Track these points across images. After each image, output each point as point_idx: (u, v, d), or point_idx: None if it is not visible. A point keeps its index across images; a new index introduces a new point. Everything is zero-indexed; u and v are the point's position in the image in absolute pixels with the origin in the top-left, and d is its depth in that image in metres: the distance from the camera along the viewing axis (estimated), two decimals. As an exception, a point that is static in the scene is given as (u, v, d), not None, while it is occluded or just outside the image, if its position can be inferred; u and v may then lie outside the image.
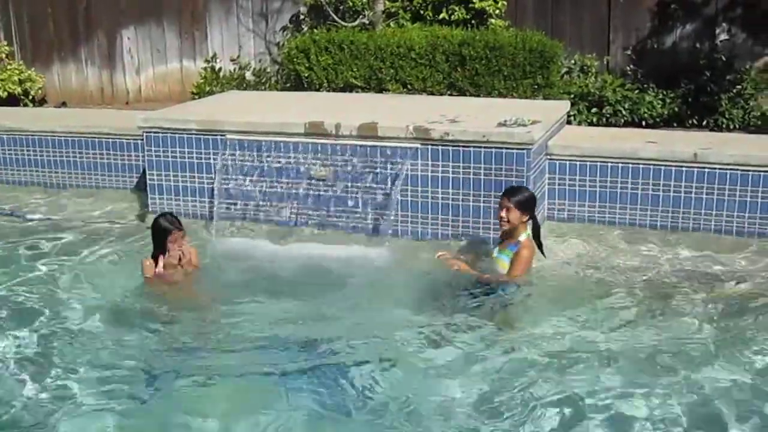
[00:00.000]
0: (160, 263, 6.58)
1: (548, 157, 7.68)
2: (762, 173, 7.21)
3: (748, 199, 7.26)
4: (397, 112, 8.14)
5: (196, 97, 11.05)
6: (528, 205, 6.53)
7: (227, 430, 4.83)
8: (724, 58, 9.96)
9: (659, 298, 6.44)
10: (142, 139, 8.24)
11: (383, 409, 5.03)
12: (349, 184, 7.60)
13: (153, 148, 8.14)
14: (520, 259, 6.45)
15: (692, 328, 5.96)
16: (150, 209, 8.26)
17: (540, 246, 6.64)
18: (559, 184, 7.72)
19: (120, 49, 12.35)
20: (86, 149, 9.05)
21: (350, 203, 7.63)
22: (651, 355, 5.60)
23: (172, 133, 8.06)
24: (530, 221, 6.56)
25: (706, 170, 7.33)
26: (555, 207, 7.77)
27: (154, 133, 8.12)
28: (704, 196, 7.35)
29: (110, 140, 8.97)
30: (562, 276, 6.82)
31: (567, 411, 4.99)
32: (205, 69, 11.66)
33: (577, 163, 7.63)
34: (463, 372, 5.40)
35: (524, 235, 6.52)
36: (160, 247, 6.62)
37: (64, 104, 12.44)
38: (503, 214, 6.48)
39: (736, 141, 8.21)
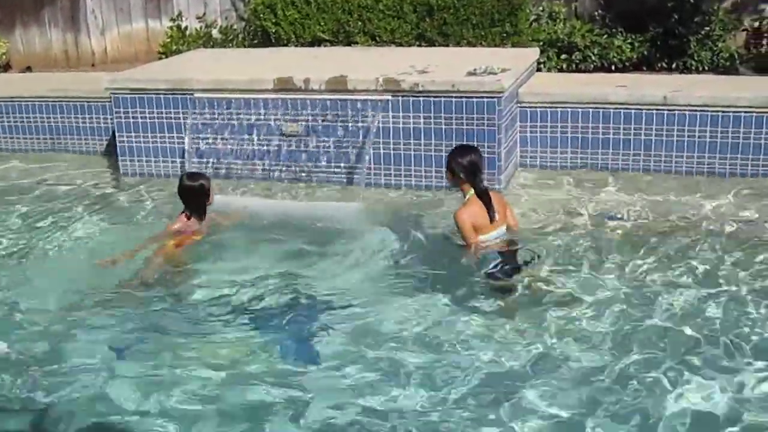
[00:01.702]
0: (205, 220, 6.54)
1: (519, 104, 7.68)
2: (732, 114, 7.26)
3: (718, 140, 7.31)
4: (367, 65, 8.10)
5: (163, 56, 10.92)
6: (452, 167, 5.97)
7: (206, 389, 4.83)
8: (691, 0, 9.95)
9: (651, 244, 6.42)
10: (110, 101, 8.16)
11: (358, 361, 5.05)
12: (321, 139, 7.57)
13: (121, 110, 8.07)
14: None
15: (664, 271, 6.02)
16: (121, 171, 8.21)
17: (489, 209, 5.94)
18: (530, 132, 7.73)
19: (83, 9, 12.16)
20: (53, 113, 8.96)
21: (322, 157, 7.61)
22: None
23: (140, 93, 7.99)
24: (469, 185, 5.96)
25: (676, 112, 7.36)
26: (527, 154, 7.79)
27: (122, 94, 8.04)
28: (675, 138, 7.39)
29: (78, 104, 8.88)
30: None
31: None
32: (171, 28, 11.51)
33: (548, 109, 7.65)
34: (437, 329, 5.37)
35: (465, 199, 6.00)
36: (198, 206, 6.50)
37: (29, 69, 12.26)
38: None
39: (705, 83, 8.26)
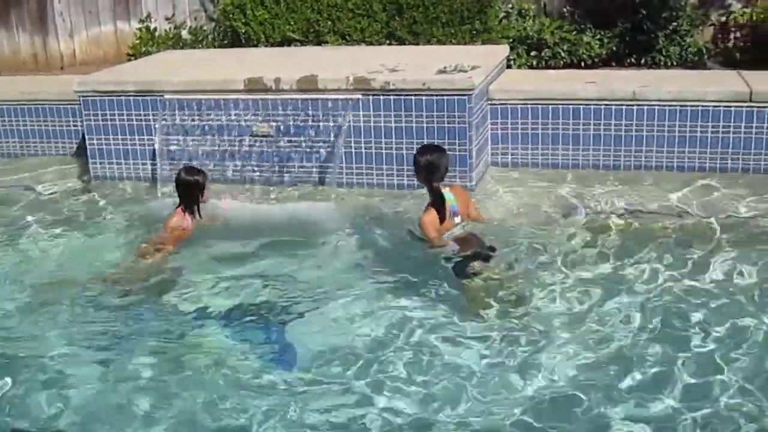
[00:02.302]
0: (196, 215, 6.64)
1: (490, 102, 7.70)
2: (700, 108, 7.32)
3: (687, 134, 7.36)
4: (337, 64, 8.09)
5: (132, 58, 10.86)
6: (416, 168, 6.13)
7: (186, 389, 4.84)
8: (659, -4, 10.03)
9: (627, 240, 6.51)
10: (80, 104, 8.11)
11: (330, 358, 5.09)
12: (292, 139, 7.56)
13: (91, 113, 8.02)
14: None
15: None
16: (92, 174, 8.16)
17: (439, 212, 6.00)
18: (501, 129, 7.75)
19: (51, 12, 12.07)
20: (23, 117, 8.89)
21: (294, 158, 7.60)
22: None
23: (109, 96, 7.94)
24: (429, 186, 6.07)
25: (645, 108, 7.41)
26: (499, 151, 7.81)
27: (91, 96, 7.99)
28: (644, 133, 7.44)
29: (47, 107, 8.82)
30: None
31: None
32: (139, 29, 11.45)
33: (519, 106, 7.67)
34: (405, 325, 5.43)
35: (431, 198, 6.10)
36: (192, 201, 6.59)
37: (-4, 72, 12.18)
38: None
39: (674, 77, 8.32)
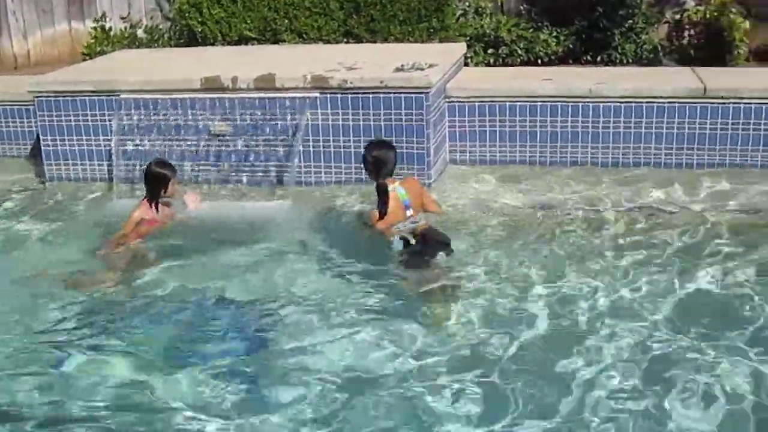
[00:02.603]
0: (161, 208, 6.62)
1: (447, 100, 7.71)
2: (656, 104, 7.40)
3: (643, 130, 7.44)
4: (294, 63, 8.06)
5: (87, 58, 10.74)
6: (365, 164, 6.17)
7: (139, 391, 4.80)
8: (615, -7, 10.13)
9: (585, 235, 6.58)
10: (34, 105, 8.01)
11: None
12: (250, 138, 7.52)
13: (45, 113, 7.92)
14: None
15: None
16: (47, 176, 8.06)
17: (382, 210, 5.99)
18: (459, 127, 7.77)
19: (4, 11, 11.90)
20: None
21: (252, 157, 7.56)
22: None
23: (64, 96, 7.85)
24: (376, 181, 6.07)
25: (602, 105, 7.47)
26: (457, 149, 7.83)
27: (46, 97, 7.89)
28: (600, 130, 7.50)
29: (1, 108, 8.71)
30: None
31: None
32: (94, 29, 11.34)
33: (476, 104, 7.69)
34: (360, 320, 5.45)
35: None
36: (153, 193, 6.58)
37: (-51, 73, 11.99)
38: None
39: (629, 74, 8.41)
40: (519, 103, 7.60)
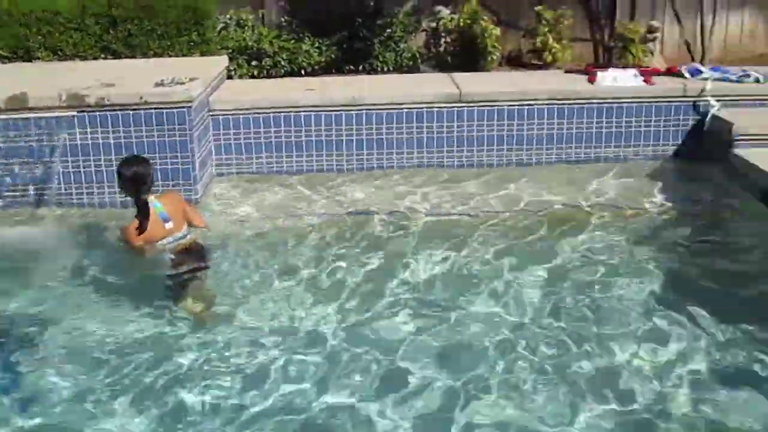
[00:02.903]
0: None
1: (211, 113, 7.65)
2: (415, 110, 7.65)
3: (404, 135, 7.66)
4: (49, 81, 7.74)
5: None
6: (121, 181, 5.93)
7: None
8: (372, 4, 10.33)
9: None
10: None
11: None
12: (5, 161, 7.16)
13: None
14: None
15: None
16: None
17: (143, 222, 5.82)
18: (224, 140, 7.72)
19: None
20: None
21: (8, 180, 7.20)
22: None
23: None
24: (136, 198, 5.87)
25: (364, 112, 7.63)
26: (223, 162, 7.77)
27: None
28: (364, 137, 7.66)
29: None
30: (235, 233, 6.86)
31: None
32: None
33: (240, 116, 7.67)
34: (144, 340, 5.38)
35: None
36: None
37: None
38: None
39: (390, 81, 8.63)
40: (283, 114, 7.65)
